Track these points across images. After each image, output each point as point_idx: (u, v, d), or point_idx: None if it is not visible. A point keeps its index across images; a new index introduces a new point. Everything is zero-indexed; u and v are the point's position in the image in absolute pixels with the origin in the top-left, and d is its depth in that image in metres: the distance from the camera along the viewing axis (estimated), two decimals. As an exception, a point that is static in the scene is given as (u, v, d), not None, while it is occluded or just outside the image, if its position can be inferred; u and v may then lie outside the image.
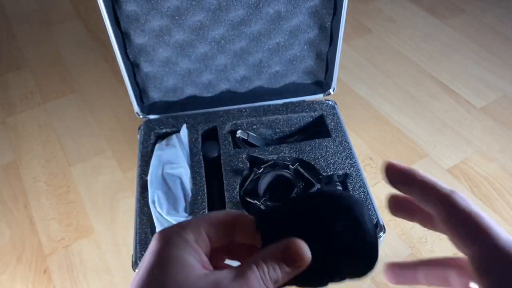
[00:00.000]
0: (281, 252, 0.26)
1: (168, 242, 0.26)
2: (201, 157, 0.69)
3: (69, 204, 0.80)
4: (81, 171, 0.85)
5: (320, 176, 0.66)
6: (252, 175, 0.65)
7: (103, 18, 0.61)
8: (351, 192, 0.63)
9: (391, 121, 0.90)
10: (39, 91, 1.02)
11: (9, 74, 1.07)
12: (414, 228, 0.74)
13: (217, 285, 0.25)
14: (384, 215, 0.75)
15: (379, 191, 0.79)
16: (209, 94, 0.76)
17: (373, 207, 0.62)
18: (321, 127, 0.75)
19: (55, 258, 0.73)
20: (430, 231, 0.72)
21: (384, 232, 0.60)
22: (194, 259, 0.26)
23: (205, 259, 0.27)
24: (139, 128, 0.74)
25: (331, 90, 0.77)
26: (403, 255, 0.71)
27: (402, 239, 0.72)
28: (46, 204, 0.80)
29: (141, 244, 0.60)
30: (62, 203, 0.80)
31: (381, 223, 0.60)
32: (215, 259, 0.29)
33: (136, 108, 0.74)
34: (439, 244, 0.71)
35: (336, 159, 0.67)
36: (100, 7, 0.59)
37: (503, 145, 0.86)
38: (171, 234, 0.26)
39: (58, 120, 0.95)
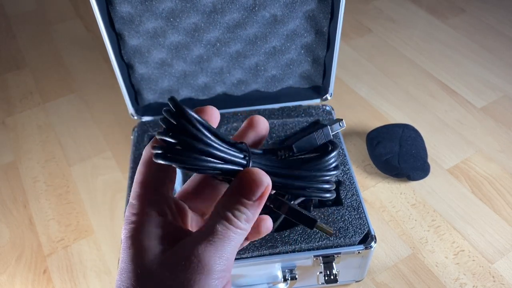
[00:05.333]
0: (238, 187, 0.24)
1: (123, 243, 0.25)
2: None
3: (68, 204, 0.80)
4: (80, 171, 0.85)
5: None
6: None
7: (97, 19, 0.60)
8: (343, 200, 0.63)
9: (391, 121, 0.90)
10: (39, 91, 1.02)
11: (9, 74, 1.07)
12: (414, 229, 0.73)
13: (188, 261, 0.23)
14: (384, 215, 0.75)
15: (379, 191, 0.79)
16: (205, 97, 0.76)
17: (365, 216, 0.61)
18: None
19: (54, 259, 0.73)
20: (431, 232, 0.73)
21: (375, 242, 0.59)
22: (148, 241, 0.24)
23: (168, 228, 0.25)
24: (133, 130, 0.74)
25: (328, 95, 0.76)
26: (404, 255, 0.70)
27: (403, 240, 0.72)
28: (45, 205, 0.80)
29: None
30: (61, 203, 0.80)
31: (372, 233, 0.59)
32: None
33: (130, 109, 0.74)
34: (440, 245, 0.71)
35: None
36: (93, 9, 0.59)
37: (503, 145, 0.85)
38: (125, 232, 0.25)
39: (58, 120, 0.95)
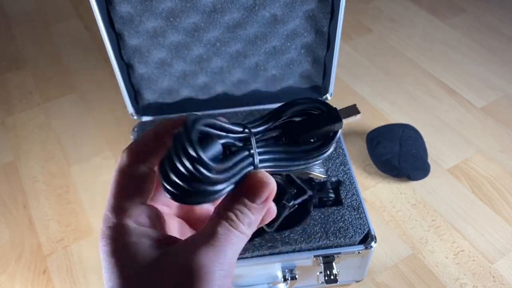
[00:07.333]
0: (243, 190, 0.23)
1: (103, 250, 0.23)
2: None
3: (68, 204, 0.80)
4: (80, 171, 0.85)
5: (313, 183, 0.65)
6: None
7: (96, 19, 0.60)
8: (343, 200, 0.63)
9: (391, 120, 0.90)
10: (39, 91, 1.02)
11: (8, 74, 1.06)
12: (414, 229, 0.73)
13: (186, 267, 0.21)
14: (384, 215, 0.75)
15: (380, 191, 0.79)
16: (205, 97, 0.76)
17: (365, 216, 0.61)
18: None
19: (54, 259, 0.73)
20: (431, 232, 0.72)
21: (375, 242, 0.59)
22: (133, 254, 0.22)
23: (159, 234, 0.23)
24: (132, 130, 0.74)
25: (328, 95, 0.76)
26: (404, 255, 0.70)
27: (403, 240, 0.72)
28: (45, 204, 0.80)
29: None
30: (61, 204, 0.80)
31: (372, 233, 0.59)
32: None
33: (130, 109, 0.74)
34: (440, 245, 0.71)
35: (330, 165, 0.67)
36: (93, 8, 0.59)
37: (504, 145, 0.85)
38: (102, 240, 0.23)
39: (58, 120, 0.95)
